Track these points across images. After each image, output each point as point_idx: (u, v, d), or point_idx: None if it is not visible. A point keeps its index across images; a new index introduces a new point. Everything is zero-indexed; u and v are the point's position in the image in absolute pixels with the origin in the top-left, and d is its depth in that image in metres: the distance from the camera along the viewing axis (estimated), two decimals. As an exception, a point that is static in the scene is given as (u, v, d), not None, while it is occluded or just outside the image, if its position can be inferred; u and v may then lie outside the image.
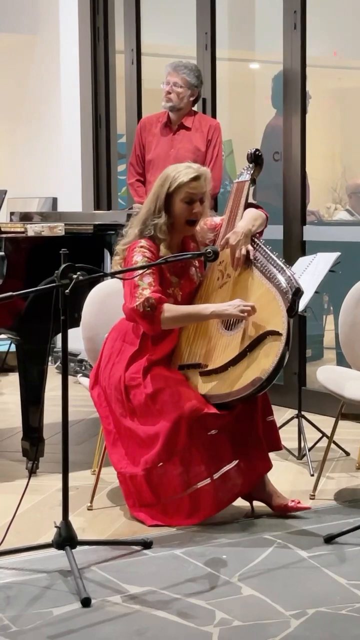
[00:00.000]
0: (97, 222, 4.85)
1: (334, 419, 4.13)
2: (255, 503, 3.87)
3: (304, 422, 4.73)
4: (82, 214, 6.38)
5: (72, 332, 3.51)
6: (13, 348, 4.38)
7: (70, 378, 4.15)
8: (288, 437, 4.69)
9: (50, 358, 6.81)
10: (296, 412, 4.78)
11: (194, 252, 3.89)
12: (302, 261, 4.78)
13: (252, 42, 7.62)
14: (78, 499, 4.00)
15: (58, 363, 6.97)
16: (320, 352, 6.74)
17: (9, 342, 4.42)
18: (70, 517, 3.28)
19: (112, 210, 6.98)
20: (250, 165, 4.06)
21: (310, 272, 4.58)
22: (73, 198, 7.35)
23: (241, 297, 3.79)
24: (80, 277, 3.19)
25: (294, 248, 5.73)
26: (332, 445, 4.31)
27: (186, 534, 3.64)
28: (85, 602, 3.00)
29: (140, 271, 3.74)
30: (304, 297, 4.23)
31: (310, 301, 4.53)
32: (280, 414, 5.22)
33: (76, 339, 4.25)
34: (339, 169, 7.71)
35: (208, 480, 3.70)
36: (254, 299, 3.76)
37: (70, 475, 3.32)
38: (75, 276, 3.18)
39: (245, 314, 3.70)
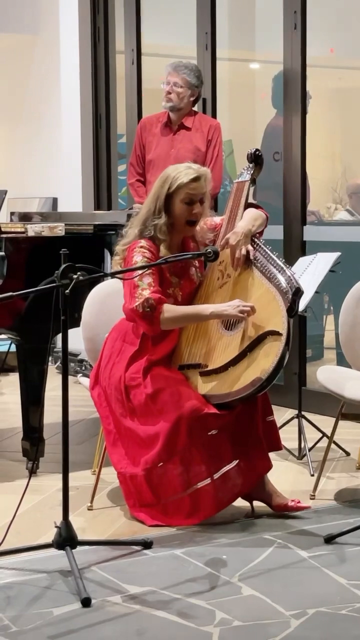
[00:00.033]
0: (97, 222, 4.85)
1: (334, 419, 4.13)
2: (255, 503, 3.87)
3: (304, 422, 4.73)
4: (82, 214, 6.38)
5: (72, 332, 3.51)
6: (13, 348, 4.38)
7: (71, 378, 4.15)
8: (288, 437, 4.69)
9: (50, 358, 6.81)
10: (296, 412, 4.78)
11: (194, 252, 3.89)
12: (302, 261, 4.78)
13: (252, 42, 7.62)
14: (78, 499, 4.00)
15: (58, 363, 6.97)
16: (321, 352, 6.74)
17: (9, 342, 4.42)
18: (71, 517, 3.28)
19: (113, 211, 6.98)
20: (250, 165, 4.06)
21: (311, 272, 4.59)
22: (73, 198, 7.35)
23: (241, 297, 3.79)
24: (81, 277, 3.19)
25: (294, 248, 5.73)
26: (332, 445, 4.31)
27: (186, 534, 3.64)
28: (86, 602, 3.00)
29: (140, 271, 3.74)
30: (305, 297, 4.23)
31: (310, 301, 4.53)
32: (281, 414, 5.22)
33: (76, 339, 4.25)
34: (339, 169, 7.72)
35: (208, 480, 3.70)
36: (254, 299, 3.76)
37: (71, 475, 3.32)
38: (75, 276, 3.18)
39: (245, 314, 3.70)
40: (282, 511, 3.82)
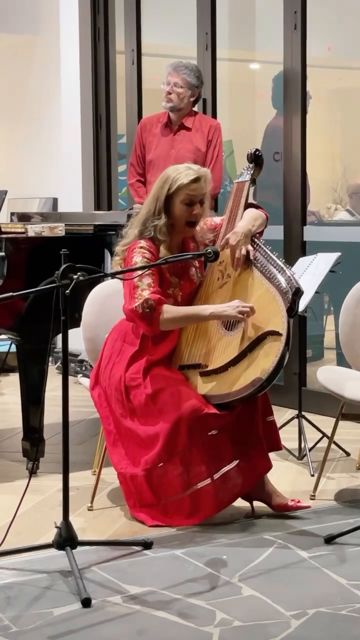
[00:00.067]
0: (97, 223, 4.85)
1: (334, 419, 4.13)
2: (255, 503, 3.87)
3: (304, 422, 4.73)
4: (83, 215, 6.38)
5: (72, 333, 3.51)
6: (13, 348, 4.38)
7: (71, 378, 4.15)
8: (288, 437, 4.69)
9: (50, 358, 6.81)
10: (296, 412, 4.78)
11: (194, 253, 3.89)
12: (302, 261, 4.78)
13: (253, 43, 7.62)
14: (78, 500, 4.00)
15: (58, 363, 6.97)
16: (321, 353, 6.74)
17: (9, 342, 4.42)
18: (71, 518, 3.28)
19: (113, 211, 6.98)
20: (250, 165, 4.06)
21: (311, 272, 4.59)
22: (73, 198, 7.35)
23: (241, 297, 3.79)
24: (81, 278, 3.19)
25: (295, 248, 5.73)
26: (333, 446, 4.31)
27: (186, 535, 3.64)
28: (86, 603, 3.00)
29: (140, 272, 3.74)
30: (305, 297, 4.23)
31: (310, 301, 4.53)
32: (281, 414, 5.22)
33: (76, 340, 4.25)
34: (339, 169, 7.71)
35: (208, 481, 3.70)
36: (254, 299, 3.76)
37: (71, 475, 3.32)
38: (75, 276, 3.18)
39: (244, 315, 3.70)
40: (282, 511, 3.82)
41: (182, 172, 3.84)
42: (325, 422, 4.79)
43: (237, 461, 3.74)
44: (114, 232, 4.67)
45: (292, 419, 4.84)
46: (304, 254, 5.59)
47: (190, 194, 3.83)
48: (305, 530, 3.69)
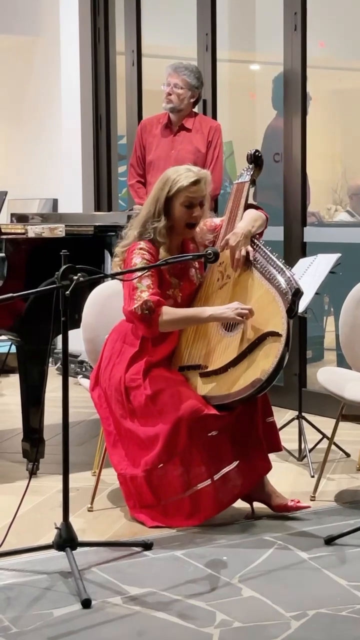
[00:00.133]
0: (97, 224, 4.85)
1: (334, 420, 4.13)
2: (255, 504, 3.87)
3: (304, 423, 4.73)
4: (83, 215, 6.39)
5: (72, 334, 3.51)
6: (14, 349, 4.38)
7: (71, 379, 4.15)
8: (288, 438, 4.69)
9: (50, 359, 6.81)
10: (296, 413, 4.78)
11: (194, 254, 3.89)
12: (302, 262, 4.78)
13: (253, 44, 7.62)
14: (78, 500, 4.00)
15: (58, 364, 6.97)
16: (321, 354, 6.74)
17: (9, 343, 4.42)
18: (71, 519, 3.28)
19: (113, 212, 6.98)
20: (250, 166, 4.06)
21: (311, 273, 4.59)
22: (73, 199, 7.36)
23: (241, 298, 3.79)
24: (81, 279, 3.19)
25: (295, 249, 5.73)
26: (333, 447, 4.31)
27: (187, 535, 3.64)
28: (86, 604, 3.00)
29: (140, 273, 3.74)
30: (305, 298, 4.23)
31: (310, 302, 4.53)
32: (281, 415, 5.22)
33: (77, 340, 4.25)
34: (339, 170, 7.72)
35: (208, 482, 3.70)
36: (254, 300, 3.76)
37: (71, 476, 3.32)
38: (75, 277, 3.18)
39: (243, 317, 3.70)
40: (282, 511, 3.82)
41: (182, 174, 3.84)
42: (326, 423, 4.79)
43: (237, 462, 3.74)
44: (114, 233, 4.66)
45: (292, 420, 4.84)
46: (304, 255, 5.60)
47: (190, 197, 3.83)
48: (305, 531, 3.69)
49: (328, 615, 2.94)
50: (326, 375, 4.12)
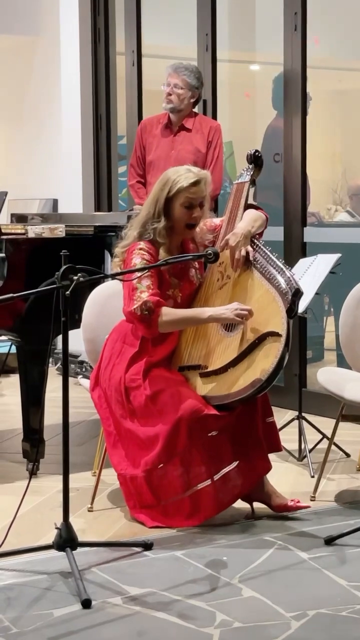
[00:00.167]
0: (97, 224, 4.85)
1: (334, 421, 4.13)
2: (255, 504, 3.87)
3: (304, 423, 4.73)
4: (83, 216, 6.39)
5: (72, 334, 3.51)
6: (14, 349, 4.38)
7: (71, 379, 4.15)
8: (288, 438, 4.69)
9: (50, 359, 6.80)
10: (297, 413, 4.78)
11: (194, 254, 3.89)
12: (302, 262, 4.78)
13: (253, 44, 7.62)
14: (78, 501, 4.00)
15: (59, 364, 6.97)
16: (321, 354, 6.74)
17: (9, 343, 4.42)
18: (71, 519, 3.29)
19: (113, 212, 6.98)
20: (250, 166, 4.06)
21: (311, 273, 4.59)
22: (73, 199, 7.36)
23: (241, 298, 3.79)
24: (81, 279, 3.19)
25: (295, 249, 5.73)
26: (333, 447, 4.31)
27: (187, 536, 3.64)
28: (86, 604, 3.00)
29: (140, 273, 3.74)
30: (305, 298, 4.24)
31: (310, 302, 4.53)
32: (281, 416, 5.22)
33: (77, 341, 4.25)
34: (339, 170, 7.72)
35: (208, 482, 3.70)
36: (254, 300, 3.76)
37: (71, 476, 3.32)
38: (75, 278, 3.18)
39: (242, 318, 3.70)
40: (282, 511, 3.82)
41: (182, 175, 3.84)
42: (326, 424, 4.79)
43: (237, 462, 3.74)
44: (114, 233, 4.66)
45: (292, 420, 4.84)
46: (304, 255, 5.60)
47: (190, 197, 3.83)
48: (305, 531, 3.69)
49: (328, 615, 2.94)
50: (326, 376, 4.12)
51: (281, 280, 3.69)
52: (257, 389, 3.64)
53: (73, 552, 3.22)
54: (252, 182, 4.04)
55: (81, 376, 6.27)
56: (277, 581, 3.22)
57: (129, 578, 3.24)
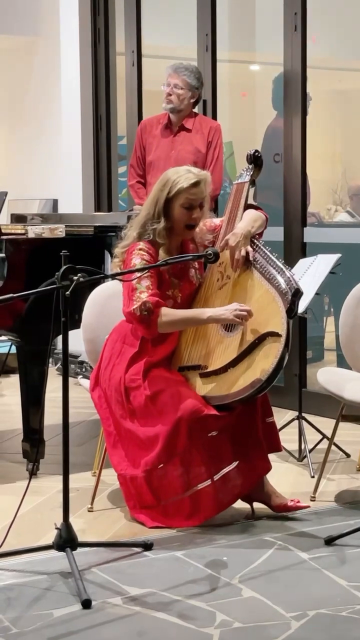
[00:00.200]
0: (97, 224, 4.85)
1: (334, 421, 4.13)
2: (255, 505, 3.87)
3: (304, 423, 4.73)
4: (83, 216, 6.39)
5: (72, 334, 3.51)
6: (14, 350, 4.38)
7: (71, 380, 4.15)
8: (288, 438, 4.69)
9: (50, 360, 6.81)
10: (297, 413, 4.78)
11: (194, 254, 3.89)
12: (302, 263, 4.78)
13: (253, 44, 7.62)
14: (78, 501, 4.00)
15: (59, 364, 6.97)
16: (321, 354, 6.74)
17: (9, 343, 4.42)
18: (71, 519, 3.29)
19: (113, 212, 6.98)
20: (250, 166, 4.06)
21: (311, 273, 4.59)
22: (73, 200, 7.36)
23: (241, 298, 3.79)
24: (81, 279, 3.19)
25: (295, 250, 5.74)
26: (333, 447, 4.31)
27: (187, 536, 3.64)
28: (86, 604, 3.00)
29: (140, 274, 3.74)
30: (305, 298, 4.24)
31: (310, 303, 4.53)
32: (281, 416, 5.22)
33: (77, 341, 4.25)
34: (339, 170, 7.72)
35: (208, 482, 3.70)
36: (254, 300, 3.76)
37: (71, 476, 3.32)
38: (75, 278, 3.18)
39: (242, 319, 3.70)
40: (282, 511, 3.82)
41: (182, 176, 3.84)
42: (326, 424, 4.80)
43: (237, 462, 3.74)
44: (114, 234, 4.66)
45: (292, 420, 4.84)
46: (304, 255, 5.60)
47: (190, 198, 3.83)
48: (305, 531, 3.69)
49: (328, 615, 2.94)
50: (326, 376, 4.12)
51: (281, 281, 3.69)
52: (257, 389, 3.65)
53: (73, 552, 3.22)
54: (252, 182, 4.04)
55: (81, 376, 6.27)
56: (277, 581, 3.22)
57: (129, 578, 3.24)
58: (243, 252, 3.85)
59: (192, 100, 5.63)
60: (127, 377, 3.83)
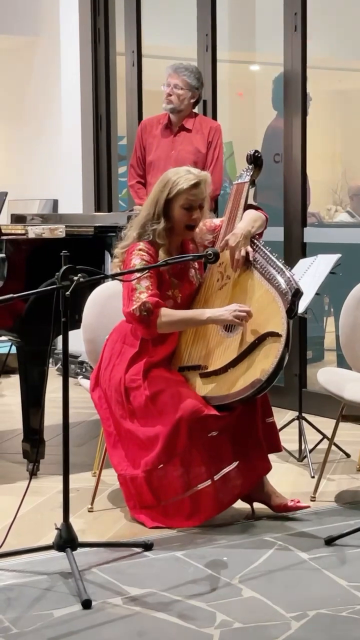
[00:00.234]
0: (97, 224, 4.85)
1: (334, 421, 4.13)
2: (256, 505, 3.87)
3: (304, 423, 4.73)
4: (83, 216, 6.38)
5: (72, 334, 3.51)
6: (14, 350, 4.38)
7: (71, 380, 4.15)
8: (289, 438, 4.69)
9: (50, 360, 6.81)
10: (297, 413, 4.78)
11: (194, 254, 3.89)
12: (302, 263, 4.78)
13: (253, 44, 7.62)
14: (79, 501, 4.00)
15: (59, 365, 6.97)
16: (321, 354, 6.74)
17: (9, 344, 4.42)
18: (71, 519, 3.29)
19: (113, 212, 6.98)
20: (250, 166, 4.06)
21: (311, 273, 4.59)
22: (74, 200, 7.36)
23: (240, 298, 3.79)
24: (81, 279, 3.19)
25: (295, 250, 5.74)
26: (333, 447, 4.31)
27: (187, 536, 3.64)
28: (86, 604, 3.00)
29: (140, 274, 3.74)
30: (305, 298, 4.24)
31: (310, 303, 4.53)
32: (281, 416, 5.22)
33: (77, 341, 4.25)
34: (339, 170, 7.72)
35: (208, 482, 3.70)
36: (254, 300, 3.76)
37: (71, 477, 3.32)
38: (75, 278, 3.18)
39: (241, 320, 3.70)
40: (282, 511, 3.82)
41: (182, 176, 3.84)
42: (326, 424, 4.80)
43: (237, 462, 3.74)
44: (114, 234, 4.66)
45: (293, 420, 4.84)
46: (304, 255, 5.60)
47: (190, 199, 3.83)
48: (305, 531, 3.69)
49: (328, 615, 2.94)
50: (326, 376, 4.12)
51: (281, 281, 3.69)
52: (257, 389, 3.65)
53: (73, 552, 3.22)
54: (252, 183, 4.04)
55: (81, 376, 6.27)
56: (277, 581, 3.22)
57: (129, 578, 3.24)
58: (243, 252, 3.85)
59: (192, 101, 5.63)
60: (127, 378, 3.83)
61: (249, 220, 3.91)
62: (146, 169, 5.74)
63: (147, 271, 3.74)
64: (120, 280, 3.85)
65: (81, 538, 3.31)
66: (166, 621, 2.92)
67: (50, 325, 3.25)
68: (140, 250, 3.83)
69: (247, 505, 3.88)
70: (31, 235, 4.49)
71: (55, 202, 7.61)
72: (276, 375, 3.63)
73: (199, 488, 3.71)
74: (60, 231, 4.54)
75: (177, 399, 3.71)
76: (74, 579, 3.12)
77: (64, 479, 3.26)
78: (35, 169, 7.86)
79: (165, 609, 2.99)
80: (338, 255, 4.60)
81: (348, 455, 4.73)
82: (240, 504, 3.85)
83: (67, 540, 3.24)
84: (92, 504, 3.98)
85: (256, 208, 4.00)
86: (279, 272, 3.72)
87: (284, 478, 4.35)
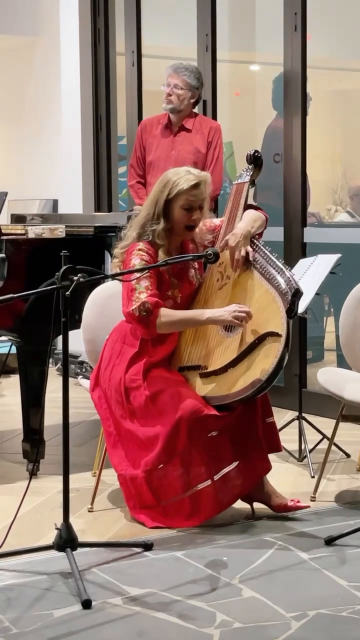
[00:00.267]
0: (97, 224, 4.86)
1: (334, 421, 4.13)
2: (256, 505, 3.87)
3: (304, 423, 4.73)
4: (83, 216, 6.39)
5: (72, 334, 3.51)
6: (14, 350, 4.38)
7: (71, 380, 4.15)
8: (289, 438, 4.69)
9: (50, 360, 6.81)
10: (297, 413, 4.78)
11: (194, 254, 3.89)
12: (302, 263, 4.78)
13: (253, 44, 7.62)
14: (79, 501, 4.00)
15: (59, 365, 6.97)
16: (321, 354, 6.74)
17: (9, 344, 4.42)
18: (71, 519, 3.29)
19: (113, 212, 6.98)
20: (250, 166, 4.06)
21: (311, 273, 4.59)
22: (74, 200, 7.36)
23: (240, 298, 3.79)
24: (81, 279, 3.19)
25: (295, 250, 5.74)
26: (333, 447, 4.31)
27: (187, 536, 3.64)
28: (86, 604, 3.00)
29: (139, 274, 3.74)
30: (305, 298, 4.24)
31: (310, 303, 4.53)
32: (281, 416, 5.22)
33: (77, 341, 4.25)
34: (339, 170, 7.72)
35: (208, 482, 3.70)
36: (254, 300, 3.76)
37: (71, 477, 3.32)
38: (75, 278, 3.19)
39: (241, 320, 3.70)
40: (282, 511, 3.82)
41: (182, 177, 3.83)
42: (326, 424, 4.80)
43: (237, 462, 3.74)
44: (114, 234, 4.66)
45: (293, 420, 4.84)
46: (304, 255, 5.60)
47: (190, 200, 3.83)
48: (305, 531, 3.69)
49: (328, 615, 2.94)
50: (326, 376, 4.12)
51: (281, 281, 3.69)
52: (257, 389, 3.65)
53: (73, 552, 3.22)
54: (252, 183, 4.04)
55: (81, 376, 6.27)
56: (277, 581, 3.22)
57: (129, 578, 3.24)
58: (243, 252, 3.85)
59: (192, 101, 5.63)
60: (127, 378, 3.83)
61: (248, 220, 3.91)
62: (146, 169, 5.74)
63: (146, 271, 3.74)
64: (120, 280, 3.85)
65: (81, 538, 3.31)
66: (166, 621, 2.92)
67: (50, 325, 3.25)
68: (139, 250, 3.83)
69: (247, 505, 3.88)
70: (31, 235, 4.49)
71: (55, 202, 7.61)
72: (276, 375, 3.63)
73: (199, 488, 3.71)
74: (60, 231, 4.54)
75: (177, 399, 3.71)
76: (74, 579, 3.12)
77: (64, 479, 3.26)
78: (35, 169, 7.86)
79: (165, 609, 2.99)
80: (338, 255, 4.60)
81: (348, 455, 4.73)
82: (240, 504, 3.85)
83: (67, 540, 3.24)
84: (92, 504, 3.98)
85: (256, 208, 4.00)
86: (278, 272, 3.72)
87: (284, 478, 4.35)
